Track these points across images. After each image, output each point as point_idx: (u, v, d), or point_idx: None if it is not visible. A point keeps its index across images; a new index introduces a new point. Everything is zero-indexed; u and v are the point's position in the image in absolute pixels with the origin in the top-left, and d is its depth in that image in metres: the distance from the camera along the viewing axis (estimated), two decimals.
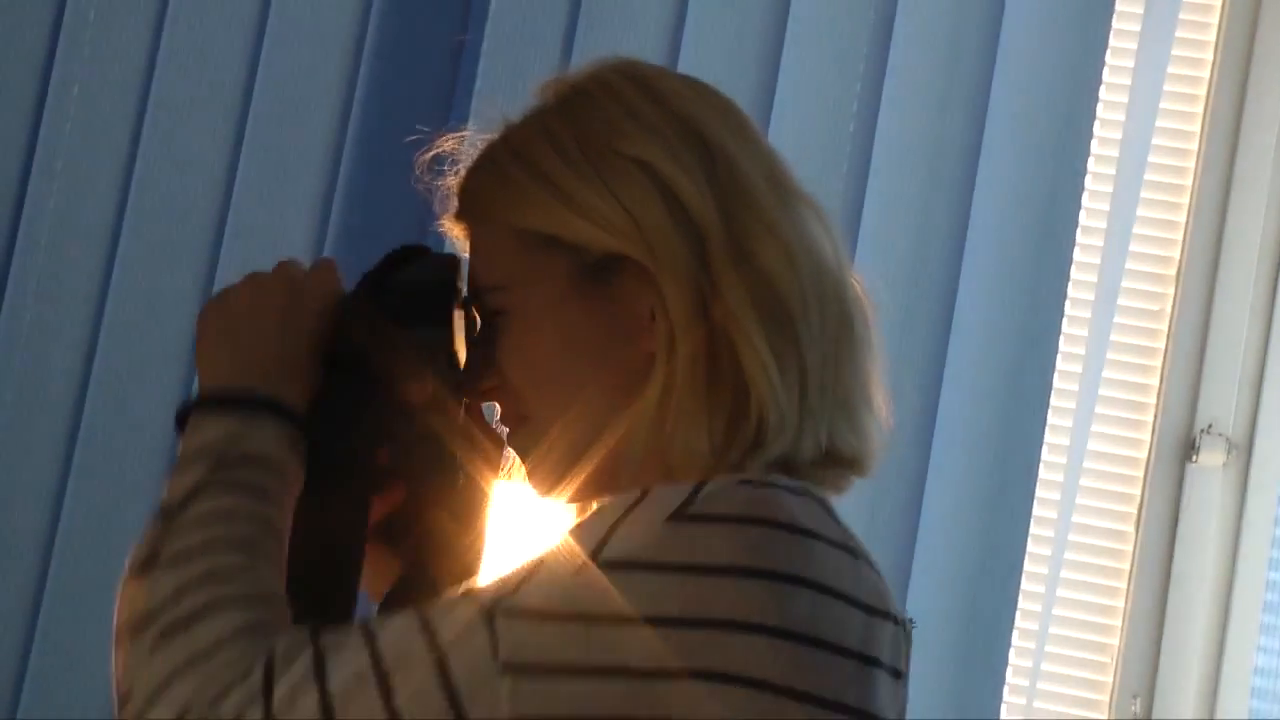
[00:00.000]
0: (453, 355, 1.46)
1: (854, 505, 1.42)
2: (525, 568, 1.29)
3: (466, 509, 1.51)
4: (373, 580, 1.50)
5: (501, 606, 1.26)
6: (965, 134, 2.59)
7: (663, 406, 1.38)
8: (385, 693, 1.25)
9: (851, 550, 1.34)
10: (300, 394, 1.43)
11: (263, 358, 1.42)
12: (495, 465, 1.50)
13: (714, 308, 1.38)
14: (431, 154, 1.52)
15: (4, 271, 2.69)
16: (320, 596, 1.40)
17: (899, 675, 1.35)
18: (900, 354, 2.51)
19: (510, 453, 1.49)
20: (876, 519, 2.50)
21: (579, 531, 1.30)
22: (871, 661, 1.31)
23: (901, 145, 2.59)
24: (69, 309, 2.69)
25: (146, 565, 1.34)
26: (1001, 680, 2.56)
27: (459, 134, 1.51)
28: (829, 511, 1.35)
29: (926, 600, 2.53)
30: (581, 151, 1.42)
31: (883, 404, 1.46)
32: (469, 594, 1.30)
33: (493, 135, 1.48)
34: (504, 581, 1.29)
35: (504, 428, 1.48)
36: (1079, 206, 2.58)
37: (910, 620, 1.38)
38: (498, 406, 1.48)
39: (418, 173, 1.53)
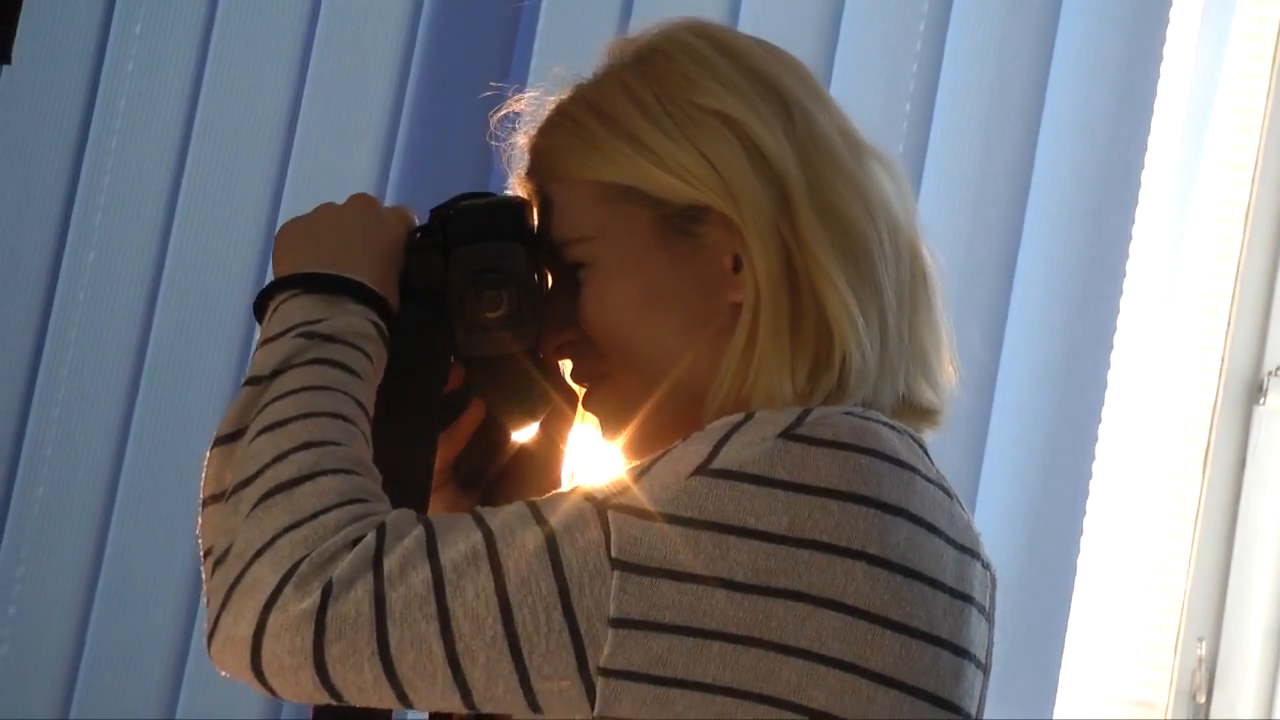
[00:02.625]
0: (531, 280, 1.45)
1: None
2: (635, 470, 1.30)
3: (541, 448, 1.51)
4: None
5: (613, 502, 1.27)
6: (1030, 72, 2.57)
7: (746, 356, 1.39)
8: (497, 573, 1.25)
9: (945, 489, 1.35)
10: (382, 290, 1.42)
11: (343, 252, 1.43)
12: (573, 407, 1.50)
13: (797, 255, 1.39)
14: (502, 113, 1.52)
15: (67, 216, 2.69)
16: None
17: (989, 618, 1.36)
18: (964, 298, 2.50)
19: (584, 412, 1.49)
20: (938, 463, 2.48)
21: (685, 446, 1.30)
22: (965, 598, 1.32)
23: (964, 89, 2.57)
24: (131, 255, 2.68)
25: (236, 434, 1.34)
26: (1065, 621, 2.54)
27: (527, 93, 1.51)
28: (924, 449, 1.37)
29: (989, 543, 2.50)
30: (662, 105, 1.43)
31: (951, 360, 1.47)
32: (578, 489, 1.30)
33: (563, 95, 1.48)
34: (614, 481, 1.29)
35: (579, 386, 1.49)
36: (1145, 148, 2.56)
37: (996, 570, 1.39)
38: (571, 363, 1.48)
39: (491, 131, 1.53)
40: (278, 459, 1.30)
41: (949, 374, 1.46)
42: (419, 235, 1.48)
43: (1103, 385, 2.55)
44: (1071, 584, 2.54)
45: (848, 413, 1.32)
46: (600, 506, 1.27)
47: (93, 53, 2.69)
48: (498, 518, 1.28)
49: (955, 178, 2.57)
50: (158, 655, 2.60)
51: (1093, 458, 2.55)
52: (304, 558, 1.25)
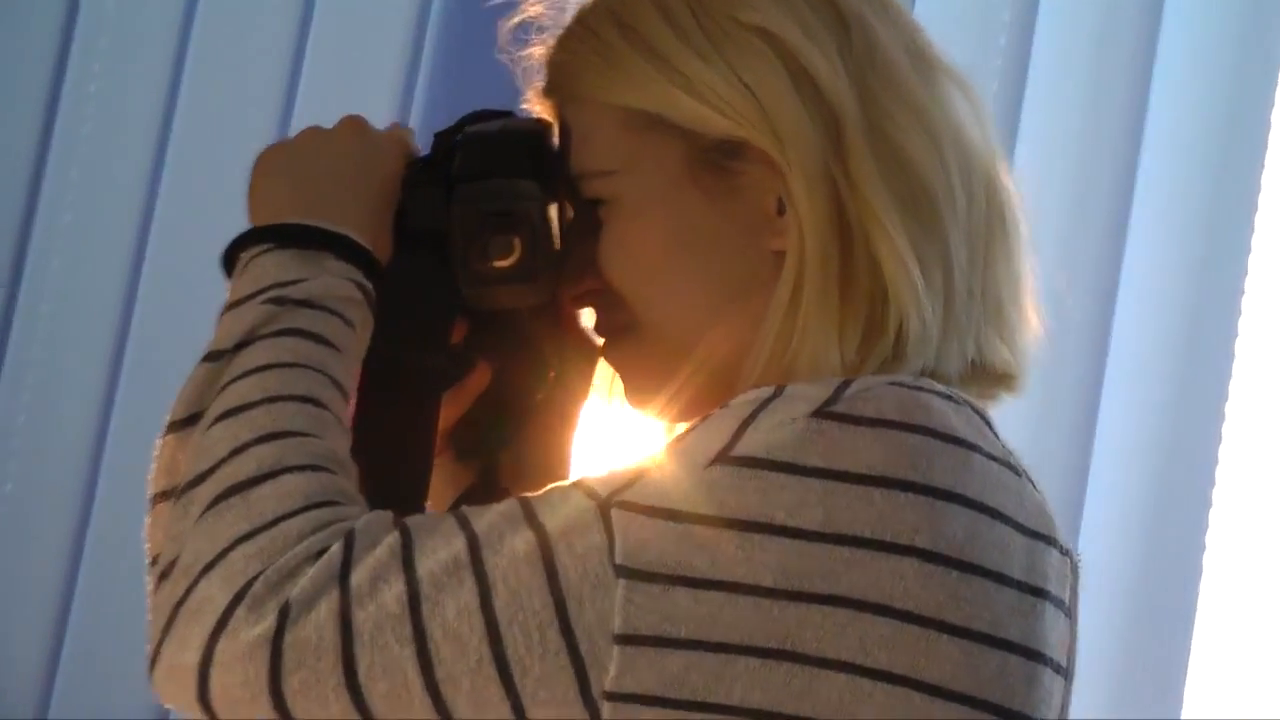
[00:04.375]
0: (547, 223, 1.29)
1: (1019, 426, 1.27)
2: (644, 461, 1.14)
3: (552, 414, 1.36)
4: (438, 490, 1.34)
5: (618, 499, 1.11)
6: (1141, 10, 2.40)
7: (790, 314, 1.23)
8: (482, 585, 1.09)
9: (1013, 467, 1.18)
10: (370, 240, 1.27)
11: (327, 195, 1.28)
12: (590, 368, 1.36)
13: (849, 201, 1.23)
14: (517, 20, 1.37)
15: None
16: (382, 502, 1.20)
17: (1068, 612, 1.20)
18: (1070, 255, 2.32)
19: (604, 369, 1.35)
20: (1043, 440, 2.29)
21: (704, 427, 1.15)
22: (1038, 592, 1.16)
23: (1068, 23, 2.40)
24: (117, 201, 2.58)
25: (192, 419, 1.18)
26: (1192, 615, 2.35)
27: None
28: (987, 422, 1.20)
29: (1101, 531, 2.34)
30: (696, 19, 1.27)
31: (1036, 312, 1.31)
32: (578, 484, 1.14)
33: (589, 2, 1.32)
34: (618, 474, 1.14)
35: (601, 338, 1.33)
36: (1275, 84, 2.34)
37: (1077, 556, 1.23)
38: (593, 313, 1.33)
39: (501, 43, 1.38)
40: (235, 452, 1.15)
41: (1031, 328, 1.31)
42: (419, 167, 1.32)
43: (1229, 356, 2.36)
44: (1197, 575, 2.35)
45: (893, 383, 1.16)
46: (603, 505, 1.11)
47: None
48: (484, 519, 1.12)
49: (1062, 102, 2.39)
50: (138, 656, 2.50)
51: (1219, 438, 2.36)
52: (259, 573, 1.10)
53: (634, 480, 1.12)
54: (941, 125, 1.27)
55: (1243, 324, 2.37)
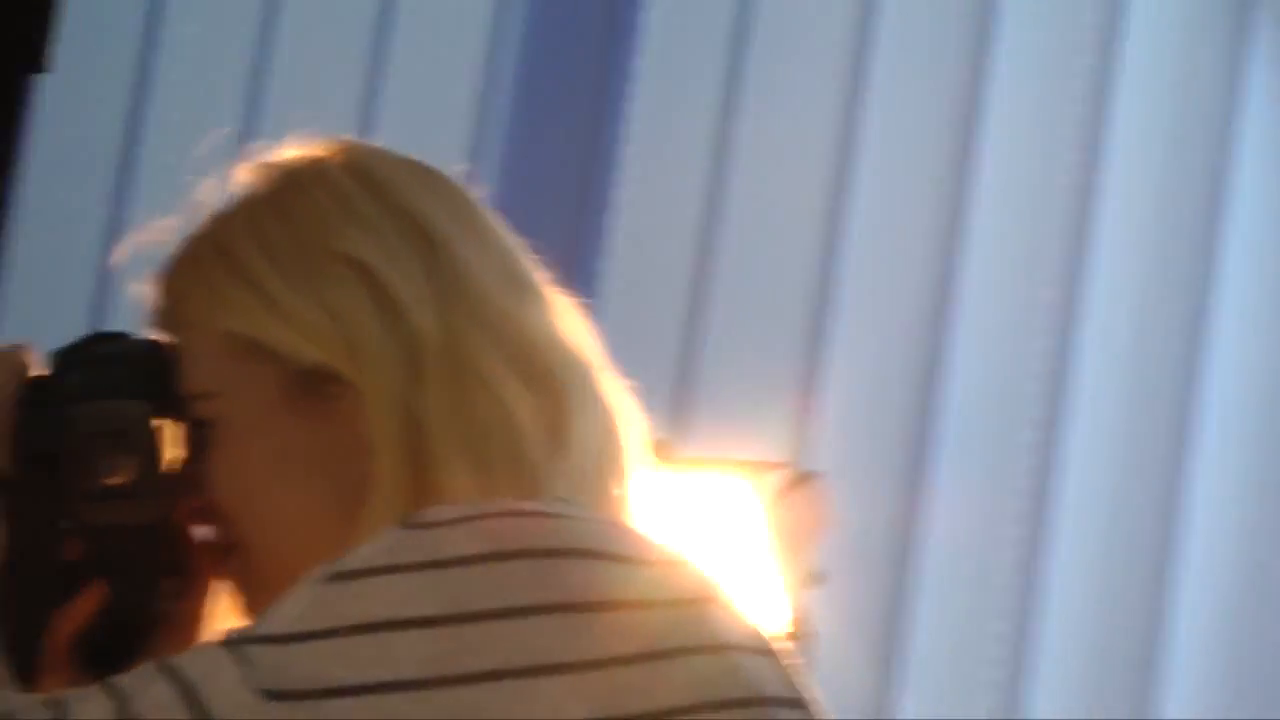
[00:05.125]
0: (151, 434, 1.31)
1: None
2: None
3: (180, 623, 1.36)
4: None
5: (246, 636, 1.13)
6: None
7: (374, 533, 1.22)
8: None
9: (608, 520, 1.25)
10: None
11: None
12: (206, 585, 1.36)
13: (420, 437, 1.25)
14: (124, 251, 1.38)
15: None
16: None
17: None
18: None
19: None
20: None
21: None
22: (686, 600, 1.19)
23: None
24: None
25: None
26: None
27: (160, 224, 1.36)
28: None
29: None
30: (291, 247, 1.29)
31: None
32: (207, 640, 1.17)
33: (197, 226, 1.34)
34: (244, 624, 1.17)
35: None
36: None
37: None
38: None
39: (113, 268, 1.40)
40: None
41: None
42: (35, 385, 1.33)
43: None
44: None
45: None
46: (232, 645, 1.12)
47: None
48: (127, 681, 1.14)
49: None
50: None
51: None
52: None
53: (256, 623, 1.15)
54: (531, 344, 1.28)
55: None
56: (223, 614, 1.36)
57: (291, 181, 1.32)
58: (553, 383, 1.27)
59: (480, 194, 1.36)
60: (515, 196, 2.64)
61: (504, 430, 1.25)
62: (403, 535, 1.14)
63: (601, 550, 1.16)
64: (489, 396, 1.25)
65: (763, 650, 1.20)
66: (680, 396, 2.91)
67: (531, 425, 1.25)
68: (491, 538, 1.14)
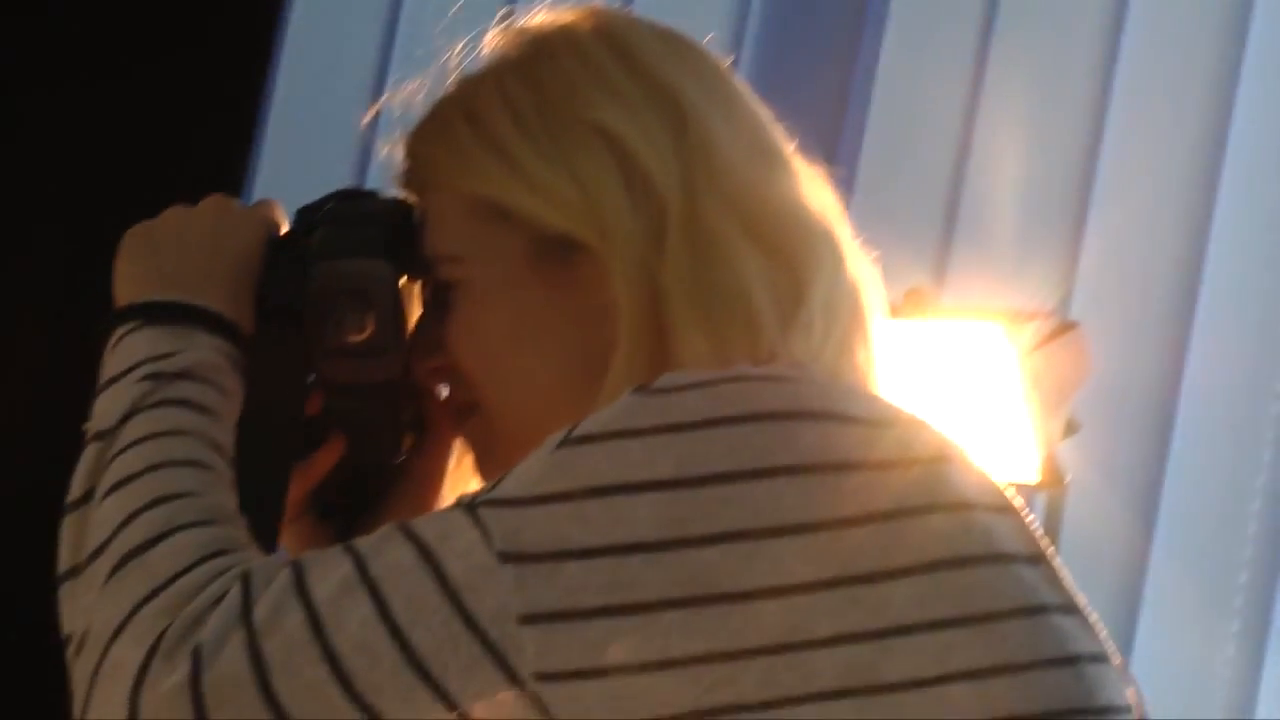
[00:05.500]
0: (393, 293, 1.33)
1: None
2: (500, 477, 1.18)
3: (412, 479, 1.40)
4: (296, 550, 1.38)
5: (481, 500, 1.14)
6: None
7: (615, 398, 1.24)
8: (376, 597, 1.12)
9: (849, 388, 1.24)
10: (233, 314, 1.31)
11: (190, 273, 1.31)
12: (445, 442, 1.39)
13: (663, 301, 1.26)
14: (373, 113, 1.41)
15: None
16: None
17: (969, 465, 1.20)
18: None
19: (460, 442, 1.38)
20: None
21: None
22: (924, 459, 1.17)
23: None
24: None
25: (86, 497, 1.22)
26: None
27: (411, 84, 1.38)
28: None
29: None
30: (539, 115, 1.29)
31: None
32: (447, 505, 1.18)
33: (445, 90, 1.35)
34: (481, 487, 1.18)
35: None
36: None
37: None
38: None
39: (359, 133, 1.43)
40: (126, 521, 1.18)
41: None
42: (279, 244, 1.36)
43: None
44: None
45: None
46: (469, 508, 1.14)
47: None
48: (367, 541, 1.16)
49: None
50: None
51: None
52: (167, 627, 1.13)
53: (494, 485, 1.16)
54: (772, 215, 1.28)
55: None
56: (460, 472, 1.40)
57: (542, 48, 1.32)
58: (792, 252, 1.27)
59: (730, 63, 1.36)
60: (772, 63, 2.64)
61: (741, 299, 1.25)
62: (637, 400, 1.15)
63: (834, 412, 1.16)
64: (727, 266, 1.26)
65: (1003, 507, 1.19)
66: (940, 245, 2.90)
67: (769, 294, 1.25)
68: (725, 402, 1.14)
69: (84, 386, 1.28)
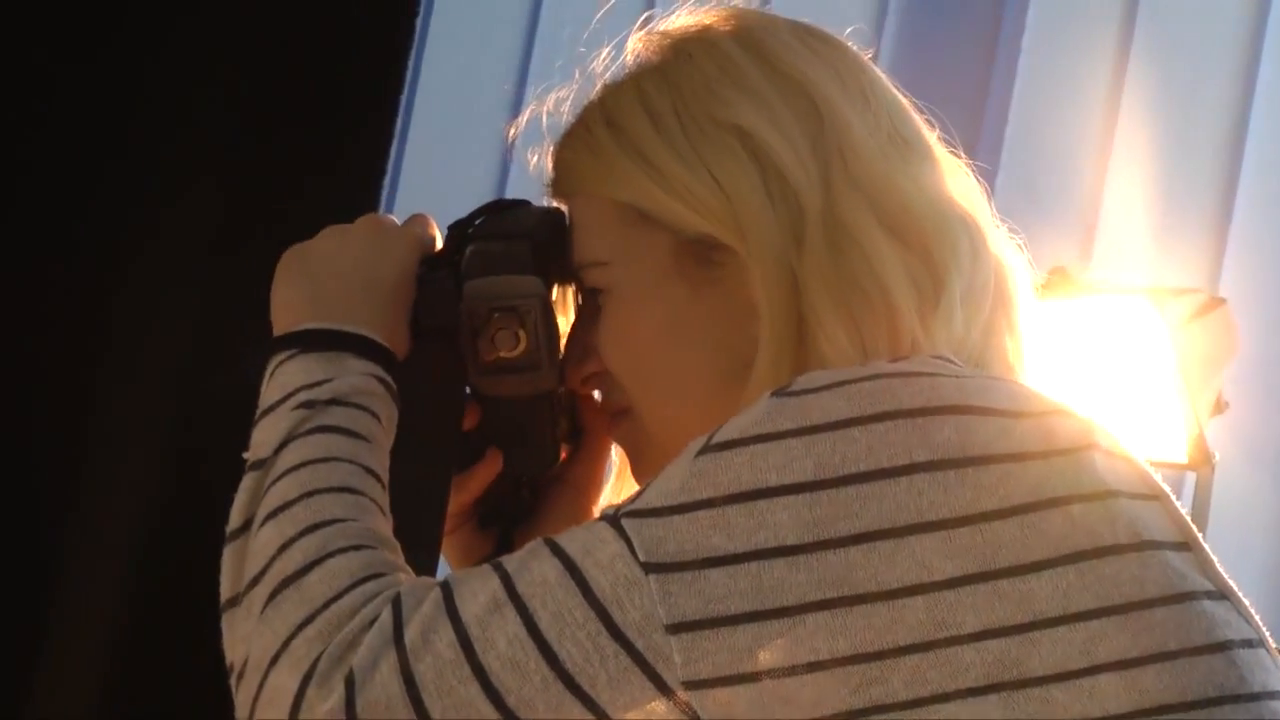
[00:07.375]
0: (544, 308, 1.35)
1: None
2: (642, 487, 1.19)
3: (569, 488, 1.42)
4: (458, 560, 1.42)
5: (624, 511, 1.15)
6: None
7: (759, 395, 1.24)
8: (524, 614, 1.14)
9: (991, 377, 1.23)
10: (386, 337, 1.32)
11: (342, 297, 1.33)
12: (602, 447, 1.42)
13: (804, 297, 1.27)
14: (524, 120, 1.42)
15: None
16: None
17: (1121, 455, 1.19)
18: None
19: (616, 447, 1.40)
20: None
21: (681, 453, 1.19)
22: (1064, 451, 1.16)
23: None
24: None
25: (245, 526, 1.24)
26: None
27: (558, 92, 1.40)
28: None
29: None
30: (678, 119, 1.31)
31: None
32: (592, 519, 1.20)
33: (590, 96, 1.37)
34: (624, 499, 1.19)
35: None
36: None
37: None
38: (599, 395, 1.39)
39: (509, 142, 1.44)
40: (282, 549, 1.20)
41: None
42: (431, 264, 1.37)
43: None
44: None
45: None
46: (613, 520, 1.15)
47: None
48: (513, 560, 1.17)
49: None
50: None
51: None
52: (321, 652, 1.15)
53: (636, 495, 1.16)
54: (912, 209, 1.28)
55: None
56: (617, 476, 1.42)
57: (680, 51, 1.34)
58: (931, 243, 1.27)
59: (869, 54, 1.37)
60: (913, 52, 2.63)
61: (881, 292, 1.26)
62: (775, 403, 1.15)
63: (974, 405, 1.15)
64: (865, 260, 1.26)
65: (1149, 493, 1.18)
66: (1088, 222, 2.88)
67: (909, 285, 1.26)
68: (861, 401, 1.14)
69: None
